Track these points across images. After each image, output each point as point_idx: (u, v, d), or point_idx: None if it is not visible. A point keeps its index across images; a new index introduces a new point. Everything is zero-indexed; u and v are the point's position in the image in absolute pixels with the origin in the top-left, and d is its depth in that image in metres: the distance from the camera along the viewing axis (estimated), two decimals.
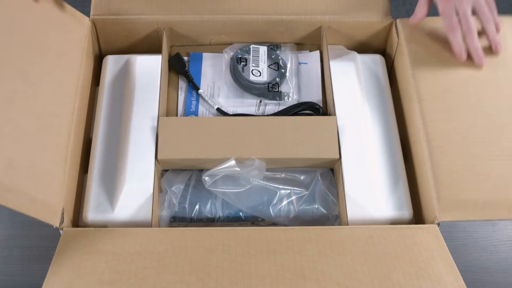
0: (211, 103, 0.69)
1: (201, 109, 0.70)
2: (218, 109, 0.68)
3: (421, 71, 0.65)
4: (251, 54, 0.70)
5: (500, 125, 0.59)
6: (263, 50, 0.71)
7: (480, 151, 0.58)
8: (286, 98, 0.69)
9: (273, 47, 0.72)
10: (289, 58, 0.72)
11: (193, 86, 0.70)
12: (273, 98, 0.69)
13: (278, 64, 0.71)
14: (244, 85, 0.69)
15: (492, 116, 0.60)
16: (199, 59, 0.73)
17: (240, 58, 0.71)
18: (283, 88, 0.70)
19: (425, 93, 0.63)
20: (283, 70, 0.70)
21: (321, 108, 0.68)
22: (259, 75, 0.69)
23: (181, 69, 0.71)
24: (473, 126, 0.60)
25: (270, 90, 0.69)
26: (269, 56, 0.71)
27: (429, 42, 0.66)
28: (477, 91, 0.62)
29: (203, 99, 0.69)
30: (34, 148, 0.56)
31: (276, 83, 0.69)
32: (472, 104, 0.61)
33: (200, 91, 0.70)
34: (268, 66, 0.71)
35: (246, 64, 0.70)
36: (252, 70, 0.69)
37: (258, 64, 0.70)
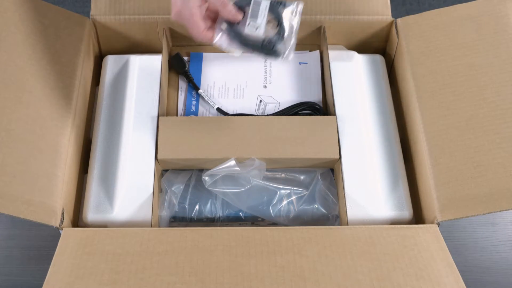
0: (211, 103, 0.69)
1: (201, 109, 0.70)
2: (218, 109, 0.68)
3: (421, 70, 0.65)
4: (251, 6, 0.60)
5: (503, 110, 0.59)
6: (264, 4, 0.61)
7: (481, 142, 0.58)
8: (281, 57, 0.60)
9: (276, 3, 0.62)
10: (295, 17, 0.62)
11: (193, 86, 0.70)
12: (268, 54, 0.60)
13: (278, 21, 0.61)
14: (237, 37, 0.60)
15: (494, 102, 0.60)
16: (199, 59, 0.73)
17: (239, 8, 0.60)
18: (278, 48, 0.60)
19: (424, 92, 0.63)
20: (282, 32, 0.61)
21: (321, 108, 0.68)
22: (255, 31, 0.60)
23: (181, 69, 0.71)
24: (474, 116, 0.59)
25: (264, 47, 0.60)
26: (270, 11, 0.61)
27: (428, 39, 0.66)
28: (479, 80, 0.61)
29: (203, 99, 0.69)
30: (29, 152, 0.56)
31: (271, 40, 0.60)
32: (473, 94, 0.61)
33: (200, 91, 0.70)
34: (267, 23, 0.62)
35: (243, 16, 0.60)
36: (249, 23, 0.59)
37: (256, 18, 0.60)
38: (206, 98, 0.69)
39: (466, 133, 0.59)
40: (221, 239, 0.53)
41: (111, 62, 0.70)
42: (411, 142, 0.65)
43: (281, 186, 0.64)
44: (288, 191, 0.64)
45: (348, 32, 0.73)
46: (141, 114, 0.65)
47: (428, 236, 0.55)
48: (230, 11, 0.58)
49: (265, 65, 0.73)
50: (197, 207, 0.63)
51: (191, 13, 0.57)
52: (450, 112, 0.61)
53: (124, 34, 0.72)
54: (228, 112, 0.69)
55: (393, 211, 0.60)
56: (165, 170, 0.65)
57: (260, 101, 0.70)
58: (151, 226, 0.59)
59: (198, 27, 0.58)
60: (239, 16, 0.58)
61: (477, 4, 0.66)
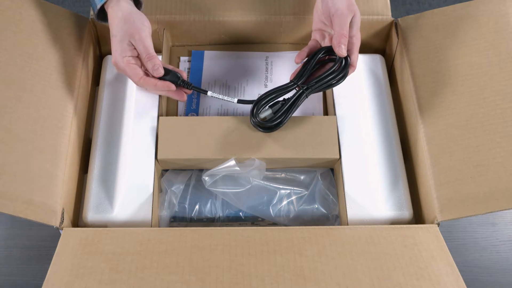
0: (229, 99, 0.64)
1: (202, 107, 0.70)
2: (240, 101, 0.64)
3: (421, 70, 0.65)
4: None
5: (502, 109, 0.59)
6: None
7: (481, 141, 0.58)
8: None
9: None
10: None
11: (200, 91, 0.65)
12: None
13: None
14: None
15: (494, 102, 0.60)
16: (201, 57, 0.73)
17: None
18: None
19: (424, 92, 0.63)
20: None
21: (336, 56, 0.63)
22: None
23: (177, 81, 0.64)
24: (474, 116, 0.59)
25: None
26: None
27: (428, 39, 0.66)
28: (479, 80, 0.61)
29: (218, 98, 0.64)
30: (29, 152, 0.56)
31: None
32: (473, 93, 0.61)
33: (209, 93, 0.64)
34: None
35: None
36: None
37: None
38: (221, 97, 0.64)
39: (466, 132, 0.59)
40: (221, 239, 0.53)
41: (111, 62, 0.70)
42: (411, 142, 0.65)
43: (281, 186, 0.64)
44: (288, 191, 0.64)
45: None
46: (141, 114, 0.65)
47: (428, 236, 0.55)
48: (154, 65, 0.61)
49: (266, 64, 0.73)
50: (197, 207, 0.63)
51: (127, 63, 0.60)
52: (450, 112, 0.61)
53: None
54: (229, 110, 0.69)
55: (393, 211, 0.60)
56: (165, 170, 0.65)
57: None
58: (151, 226, 0.59)
59: (136, 74, 0.61)
60: (161, 72, 0.61)
61: (477, 4, 0.66)
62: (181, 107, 0.70)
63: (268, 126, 0.61)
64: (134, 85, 0.67)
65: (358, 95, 0.67)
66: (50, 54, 0.63)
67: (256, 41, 0.75)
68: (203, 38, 0.74)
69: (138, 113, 0.65)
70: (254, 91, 0.71)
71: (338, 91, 0.67)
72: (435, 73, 0.64)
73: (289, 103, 0.61)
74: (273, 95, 0.62)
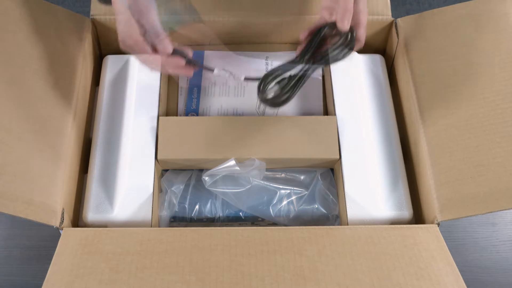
0: (235, 76, 0.63)
1: (202, 107, 0.70)
2: (246, 78, 0.63)
3: (421, 70, 0.65)
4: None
5: (502, 109, 0.59)
6: None
7: (481, 141, 0.58)
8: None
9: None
10: None
11: (206, 69, 0.65)
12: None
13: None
14: None
15: (494, 102, 0.59)
16: (201, 57, 0.73)
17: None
18: None
19: (424, 92, 0.63)
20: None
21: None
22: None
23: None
24: (474, 116, 0.59)
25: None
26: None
27: (428, 39, 0.66)
28: (479, 80, 0.61)
29: (223, 77, 0.65)
30: (29, 152, 0.56)
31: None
32: (473, 93, 0.61)
33: (216, 70, 0.63)
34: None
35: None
36: None
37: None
38: (227, 75, 0.63)
39: (466, 132, 0.59)
40: (221, 239, 0.53)
41: (111, 62, 0.70)
42: (411, 142, 0.65)
43: (281, 186, 0.64)
44: (288, 191, 0.64)
45: None
46: (141, 114, 0.65)
47: (428, 236, 0.55)
48: (164, 46, 0.58)
49: (266, 64, 0.73)
50: (197, 207, 0.63)
51: (135, 41, 0.58)
52: (450, 112, 0.61)
53: None
54: (228, 111, 0.69)
55: (393, 211, 0.60)
56: (165, 170, 0.65)
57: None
58: (151, 226, 0.59)
59: (144, 51, 0.58)
60: (170, 49, 0.59)
61: (476, 3, 0.66)
62: (181, 107, 0.70)
63: (275, 102, 0.61)
64: (134, 85, 0.67)
65: (358, 95, 0.67)
66: (50, 54, 0.63)
67: (256, 41, 0.75)
68: (203, 38, 0.74)
69: (138, 113, 0.65)
70: (253, 91, 0.71)
71: (338, 91, 0.67)
72: (435, 73, 0.64)
73: (296, 78, 0.61)
74: (279, 71, 0.61)
